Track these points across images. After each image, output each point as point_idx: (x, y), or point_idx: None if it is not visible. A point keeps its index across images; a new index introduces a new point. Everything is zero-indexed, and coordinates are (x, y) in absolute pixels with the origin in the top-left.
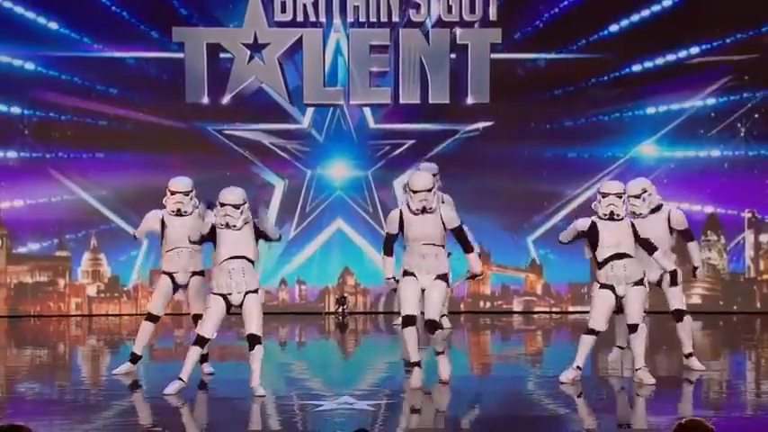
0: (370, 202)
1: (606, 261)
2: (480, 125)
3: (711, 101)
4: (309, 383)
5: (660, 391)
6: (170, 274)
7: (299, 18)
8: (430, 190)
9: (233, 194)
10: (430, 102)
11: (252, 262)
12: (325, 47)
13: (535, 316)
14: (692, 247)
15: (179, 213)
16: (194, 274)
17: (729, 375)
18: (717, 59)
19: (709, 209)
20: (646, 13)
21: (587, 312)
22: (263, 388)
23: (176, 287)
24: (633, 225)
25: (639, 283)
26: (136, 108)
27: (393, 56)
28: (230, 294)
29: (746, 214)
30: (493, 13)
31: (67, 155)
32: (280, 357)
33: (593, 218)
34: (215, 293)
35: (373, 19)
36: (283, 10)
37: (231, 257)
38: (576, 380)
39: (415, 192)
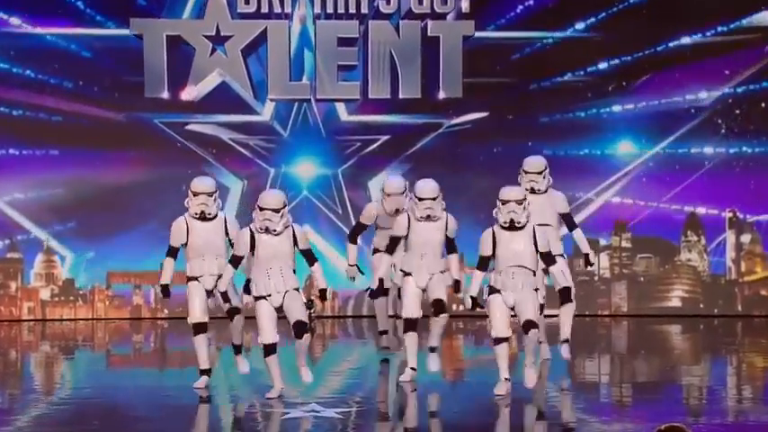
0: (339, 203)
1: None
2: (471, 117)
3: (690, 96)
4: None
5: (640, 397)
6: (195, 278)
7: (264, 9)
8: (435, 198)
9: (273, 198)
10: (400, 97)
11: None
12: (291, 39)
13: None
14: (578, 234)
15: (203, 217)
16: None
17: (710, 381)
18: (702, 50)
19: (689, 208)
20: (622, 5)
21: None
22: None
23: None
24: (535, 233)
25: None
26: (91, 103)
27: (362, 49)
28: (269, 296)
29: (727, 214)
30: (465, 6)
31: (19, 151)
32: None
33: (494, 227)
34: (257, 297)
35: (341, 11)
36: (247, 1)
37: (270, 262)
38: (509, 392)
39: (420, 199)
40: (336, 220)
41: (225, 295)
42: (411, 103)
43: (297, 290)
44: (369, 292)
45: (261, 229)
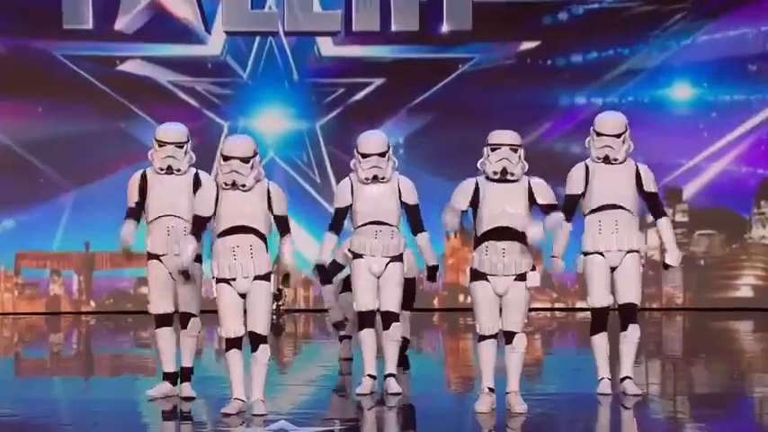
0: (317, 169)
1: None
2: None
3: (765, 28)
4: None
5: (699, 413)
6: (157, 257)
7: None
8: (383, 154)
9: (240, 144)
10: (393, 29)
11: (262, 237)
12: None
13: (532, 313)
14: (663, 225)
15: (170, 171)
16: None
17: None
18: None
19: (762, 171)
20: None
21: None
22: (263, 404)
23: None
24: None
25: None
26: None
27: None
28: (234, 280)
29: None
30: None
31: None
32: (197, 369)
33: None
34: (219, 280)
35: None
36: None
37: (236, 228)
38: (493, 407)
39: (364, 155)
40: (312, 190)
41: (185, 273)
42: (406, 36)
43: (267, 278)
44: (317, 276)
45: (226, 184)
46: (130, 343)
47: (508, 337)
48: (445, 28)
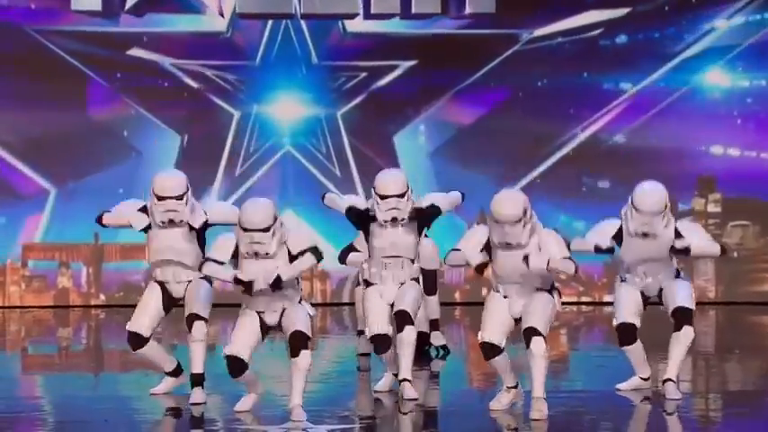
0: (337, 162)
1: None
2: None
3: None
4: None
5: (732, 412)
6: (161, 283)
7: None
8: (403, 195)
9: (258, 213)
10: (413, 11)
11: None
12: None
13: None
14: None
15: (172, 224)
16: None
17: None
18: None
19: None
20: None
21: None
22: (302, 410)
23: (172, 301)
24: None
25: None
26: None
27: None
28: (263, 313)
29: None
30: None
31: None
32: (209, 365)
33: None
34: (249, 310)
35: None
36: None
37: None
38: (514, 401)
39: (383, 197)
40: (331, 183)
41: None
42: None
43: (300, 301)
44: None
45: (247, 255)
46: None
47: (527, 337)
48: (468, 10)
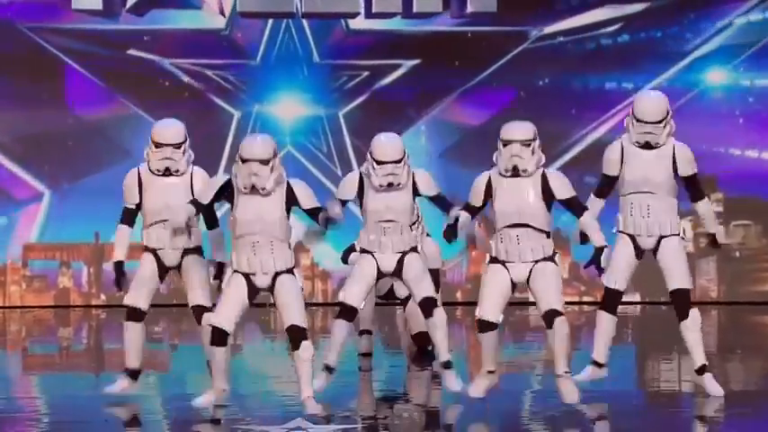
0: (339, 162)
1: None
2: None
3: None
4: (249, 401)
5: (734, 412)
6: (153, 251)
7: None
8: (400, 161)
9: (259, 145)
10: (414, 11)
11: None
12: None
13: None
14: (703, 208)
15: (167, 172)
16: (187, 252)
17: None
18: None
19: None
20: None
21: (630, 304)
22: (316, 402)
23: (164, 270)
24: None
25: (550, 259)
26: None
27: None
28: (254, 275)
29: None
30: None
31: None
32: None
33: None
34: (236, 271)
35: None
36: None
37: (253, 232)
38: (490, 387)
39: (379, 162)
40: (332, 184)
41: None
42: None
43: (291, 271)
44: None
45: (245, 188)
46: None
47: (548, 319)
48: (469, 9)
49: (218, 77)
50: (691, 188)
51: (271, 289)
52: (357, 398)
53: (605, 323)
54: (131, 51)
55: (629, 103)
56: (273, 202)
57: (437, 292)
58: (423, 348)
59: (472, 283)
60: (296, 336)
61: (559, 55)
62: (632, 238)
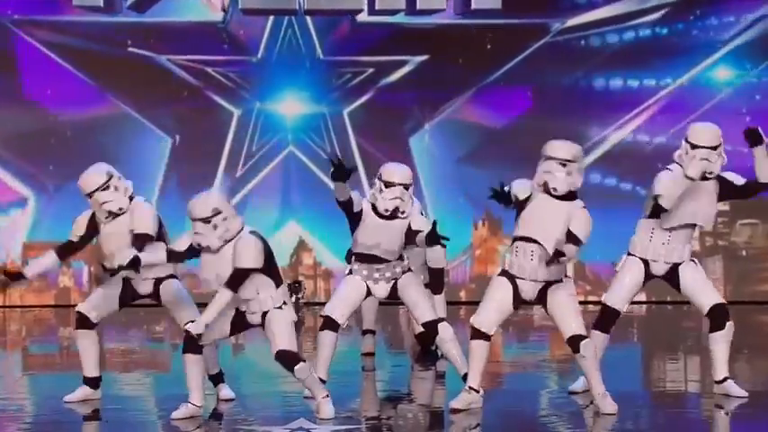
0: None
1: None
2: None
3: None
4: (251, 401)
5: (741, 412)
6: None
7: None
8: (407, 187)
9: (198, 204)
10: (418, 7)
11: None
12: None
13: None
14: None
15: (111, 215)
16: (160, 280)
17: None
18: None
19: None
20: None
21: (636, 303)
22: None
23: (135, 296)
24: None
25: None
26: None
27: None
28: (245, 312)
29: None
30: None
31: None
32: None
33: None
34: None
35: None
36: None
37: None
38: (471, 404)
39: (388, 184)
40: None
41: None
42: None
43: (280, 308)
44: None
45: (196, 245)
46: (143, 337)
47: (574, 345)
48: (473, 6)
49: (218, 75)
50: (748, 182)
51: (261, 326)
52: (360, 398)
53: (597, 342)
54: (131, 48)
55: (634, 102)
56: (227, 260)
57: (441, 292)
58: (426, 348)
59: (476, 283)
60: (286, 362)
61: (574, 52)
62: (646, 263)
